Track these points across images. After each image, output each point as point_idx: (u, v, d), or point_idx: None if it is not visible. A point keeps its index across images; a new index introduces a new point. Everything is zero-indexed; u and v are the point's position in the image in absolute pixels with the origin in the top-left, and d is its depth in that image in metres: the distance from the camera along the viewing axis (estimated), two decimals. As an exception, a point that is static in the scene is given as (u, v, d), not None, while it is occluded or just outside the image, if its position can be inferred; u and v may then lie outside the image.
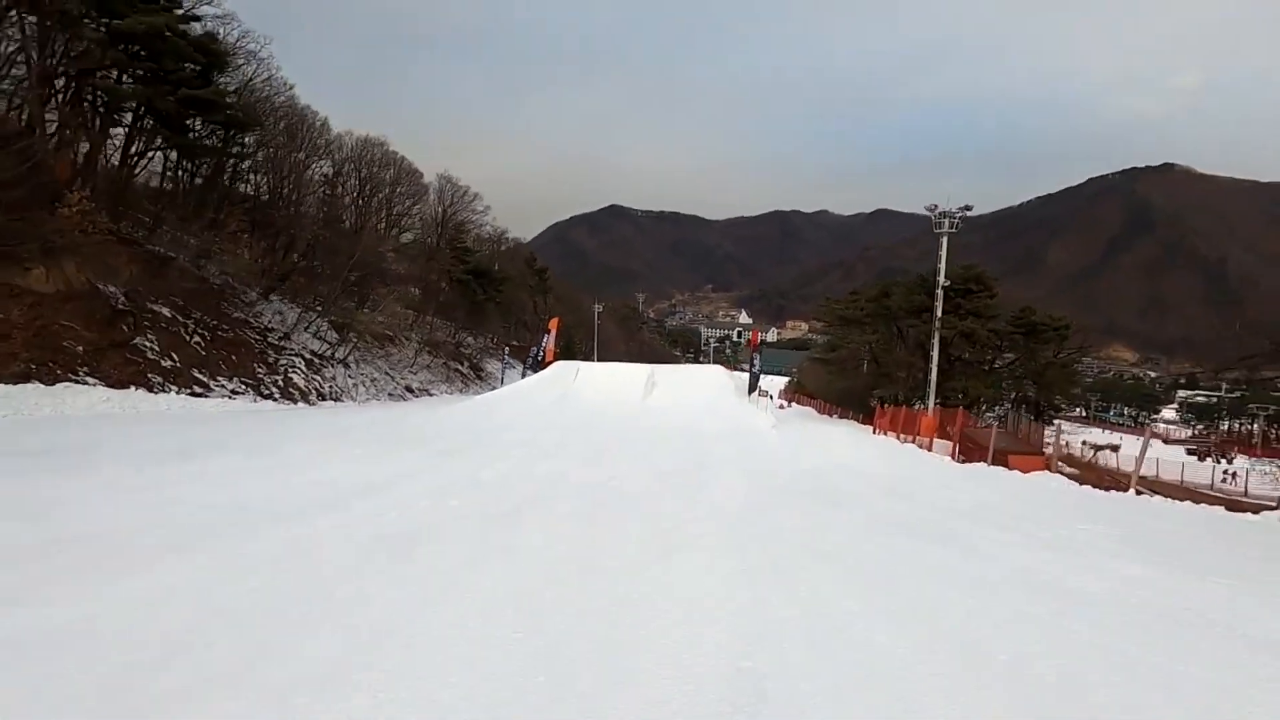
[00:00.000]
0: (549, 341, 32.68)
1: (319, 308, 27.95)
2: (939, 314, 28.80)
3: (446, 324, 42.91)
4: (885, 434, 28.10)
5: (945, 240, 28.61)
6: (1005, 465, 16.64)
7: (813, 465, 13.33)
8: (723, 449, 14.80)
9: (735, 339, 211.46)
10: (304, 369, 23.79)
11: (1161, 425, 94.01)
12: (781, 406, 52.54)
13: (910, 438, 25.60)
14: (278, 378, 22.41)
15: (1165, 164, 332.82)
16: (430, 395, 32.65)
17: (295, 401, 22.33)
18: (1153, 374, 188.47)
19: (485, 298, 42.35)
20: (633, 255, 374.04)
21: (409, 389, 32.15)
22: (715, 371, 30.14)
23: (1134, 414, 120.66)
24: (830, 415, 45.47)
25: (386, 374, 31.82)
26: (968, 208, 28.07)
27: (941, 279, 28.64)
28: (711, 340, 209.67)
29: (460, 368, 41.00)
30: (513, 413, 20.97)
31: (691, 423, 21.09)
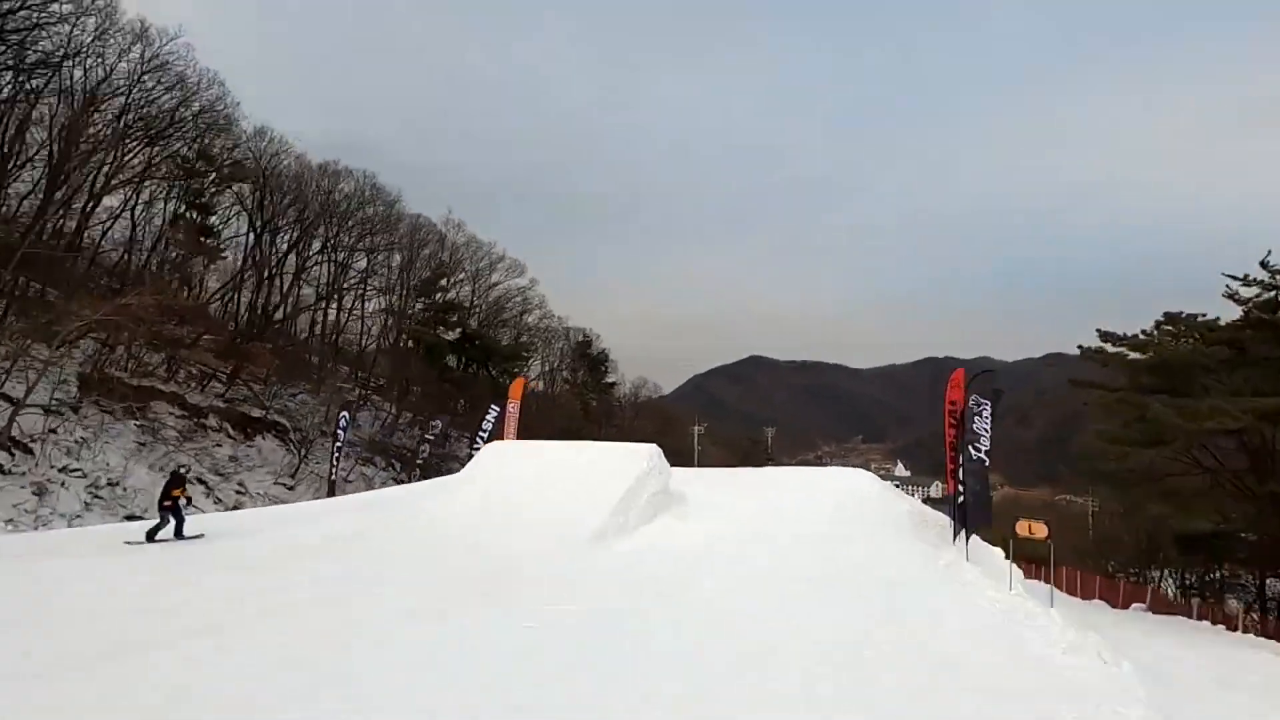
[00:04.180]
0: (504, 417, 16.51)
1: None
2: None
3: (411, 414, 28.04)
4: None
5: None
6: None
7: None
8: None
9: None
10: None
11: None
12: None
13: None
14: None
15: None
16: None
17: None
18: None
19: (484, 374, 27.51)
20: (774, 405, 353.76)
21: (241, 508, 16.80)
22: (853, 479, 12.43)
23: None
24: (1149, 609, 23.92)
25: (217, 474, 16.78)
26: None
27: None
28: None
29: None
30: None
31: (705, 687, 4.54)
